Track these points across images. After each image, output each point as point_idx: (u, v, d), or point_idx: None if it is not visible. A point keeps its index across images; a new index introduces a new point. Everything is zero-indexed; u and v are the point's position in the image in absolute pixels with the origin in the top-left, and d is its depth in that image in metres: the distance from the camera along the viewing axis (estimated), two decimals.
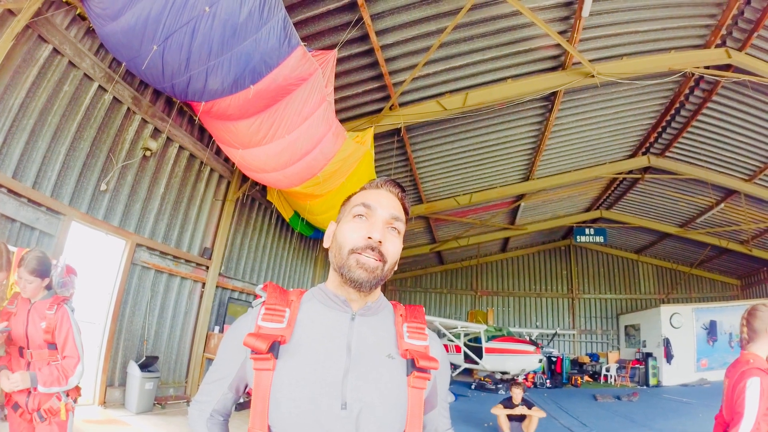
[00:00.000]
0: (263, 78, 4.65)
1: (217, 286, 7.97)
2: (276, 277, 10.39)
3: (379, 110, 8.12)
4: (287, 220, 9.61)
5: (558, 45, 7.21)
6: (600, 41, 7.62)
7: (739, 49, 7.71)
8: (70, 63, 5.01)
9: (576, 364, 15.94)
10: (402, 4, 6.25)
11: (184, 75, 4.49)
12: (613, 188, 13.89)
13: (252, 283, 9.14)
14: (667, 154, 11.28)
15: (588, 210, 15.65)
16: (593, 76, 7.54)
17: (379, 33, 6.53)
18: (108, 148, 5.72)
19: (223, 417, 1.11)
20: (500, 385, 12.10)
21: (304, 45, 4.78)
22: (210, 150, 7.43)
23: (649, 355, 14.43)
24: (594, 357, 16.67)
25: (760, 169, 10.67)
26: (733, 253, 15.51)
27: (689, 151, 10.95)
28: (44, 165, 4.94)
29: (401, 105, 8.19)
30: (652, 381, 13.79)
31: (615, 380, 14.53)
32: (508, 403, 6.32)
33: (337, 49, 5.36)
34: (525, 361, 12.21)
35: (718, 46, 7.80)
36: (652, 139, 10.97)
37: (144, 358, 6.11)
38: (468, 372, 14.01)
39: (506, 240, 17.70)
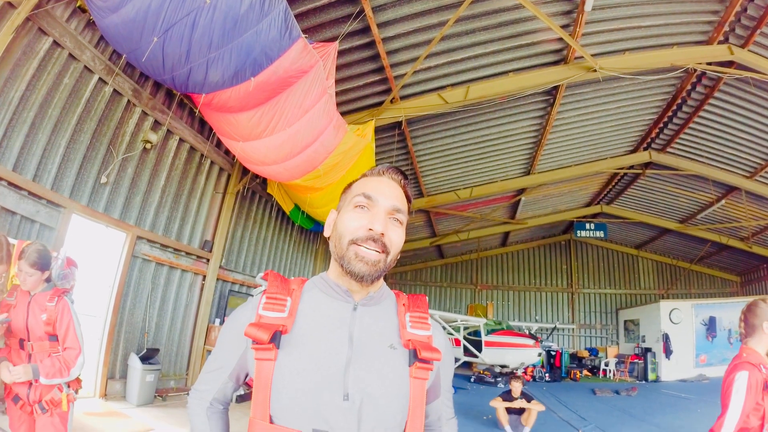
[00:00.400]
0: (264, 70, 4.64)
1: (217, 279, 7.99)
2: (276, 270, 10.38)
3: (380, 103, 8.10)
4: (287, 213, 9.63)
5: (560, 39, 7.18)
6: (602, 36, 7.58)
7: (742, 46, 7.68)
8: (71, 55, 4.99)
9: (575, 358, 16.05)
10: None
11: (185, 67, 4.47)
12: (614, 183, 13.89)
13: (252, 275, 9.16)
14: (669, 149, 11.27)
15: (588, 205, 15.65)
16: (595, 70, 7.51)
17: (380, 25, 6.50)
18: (108, 140, 5.71)
19: (222, 405, 1.10)
20: (499, 378, 12.16)
21: (305, 37, 4.76)
22: (210, 142, 7.42)
23: (648, 350, 14.49)
24: (593, 351, 16.75)
25: (762, 166, 10.67)
26: (733, 250, 15.54)
27: (691, 147, 10.94)
28: (44, 158, 4.93)
29: (402, 98, 8.17)
30: (650, 376, 13.86)
31: (614, 375, 14.58)
32: (507, 396, 6.34)
33: (338, 41, 5.33)
34: (524, 355, 12.29)
35: (720, 42, 7.77)
36: (653, 135, 10.94)
37: (145, 350, 6.12)
38: (467, 365, 14.08)
39: (506, 234, 17.73)
